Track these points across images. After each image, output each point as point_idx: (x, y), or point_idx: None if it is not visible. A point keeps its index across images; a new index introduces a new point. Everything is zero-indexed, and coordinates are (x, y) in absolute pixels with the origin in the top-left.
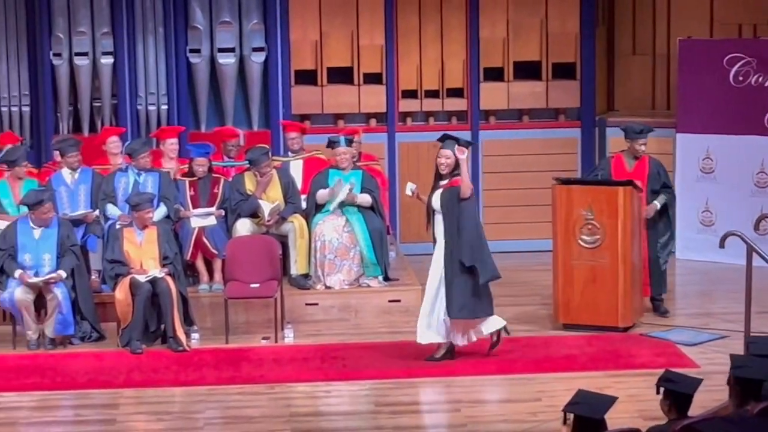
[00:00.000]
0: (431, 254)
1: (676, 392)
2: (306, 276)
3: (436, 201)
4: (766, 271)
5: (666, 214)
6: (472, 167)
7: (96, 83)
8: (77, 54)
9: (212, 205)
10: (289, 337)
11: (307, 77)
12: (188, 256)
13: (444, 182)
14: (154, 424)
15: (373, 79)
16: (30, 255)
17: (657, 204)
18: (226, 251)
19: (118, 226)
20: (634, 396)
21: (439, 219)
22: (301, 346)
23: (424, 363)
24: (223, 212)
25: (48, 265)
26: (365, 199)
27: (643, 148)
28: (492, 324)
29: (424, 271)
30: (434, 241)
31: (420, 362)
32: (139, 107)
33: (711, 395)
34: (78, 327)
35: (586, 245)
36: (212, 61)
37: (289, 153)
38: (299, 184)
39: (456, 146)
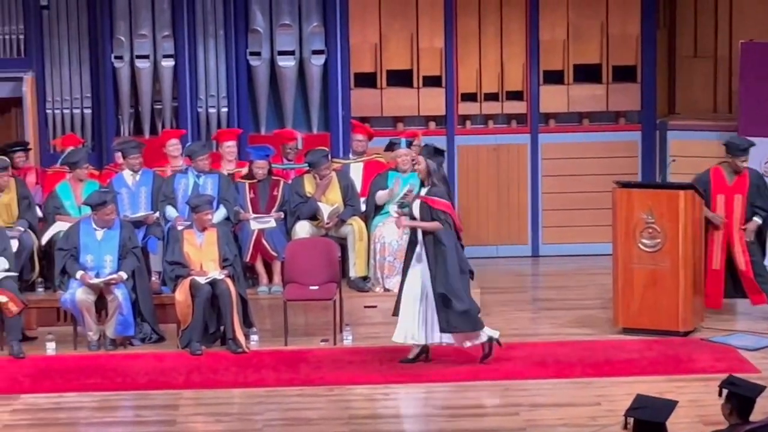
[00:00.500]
0: (490, 257)
1: (739, 396)
2: (365, 278)
3: (416, 209)
4: None
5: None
6: (531, 169)
7: (157, 86)
8: (138, 56)
9: (272, 207)
10: (347, 339)
11: (366, 80)
12: (248, 258)
13: (423, 192)
14: (213, 426)
15: (432, 81)
16: (92, 256)
17: (758, 221)
18: (286, 253)
19: (180, 227)
20: (694, 401)
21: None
22: (359, 348)
23: (482, 366)
24: (282, 214)
25: (109, 267)
26: None
27: (745, 164)
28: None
29: (484, 275)
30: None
31: (478, 365)
32: (199, 110)
33: None
34: (138, 328)
35: (647, 249)
36: (272, 64)
37: (350, 155)
38: (359, 187)
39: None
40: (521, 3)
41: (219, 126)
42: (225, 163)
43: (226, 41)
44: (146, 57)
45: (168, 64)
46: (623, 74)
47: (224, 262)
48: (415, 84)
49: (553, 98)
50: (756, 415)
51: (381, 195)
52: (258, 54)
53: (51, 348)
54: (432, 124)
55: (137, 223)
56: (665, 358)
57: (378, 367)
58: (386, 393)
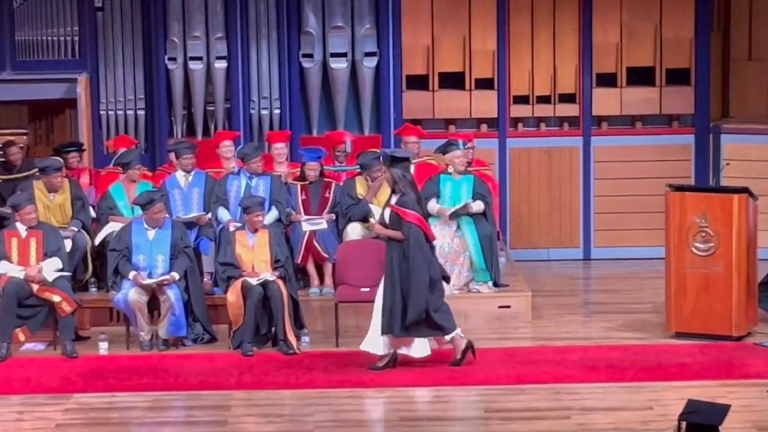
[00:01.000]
0: (542, 260)
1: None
2: None
3: (386, 215)
4: None
5: None
6: (583, 172)
7: (210, 87)
8: (191, 58)
9: (323, 209)
10: None
11: (418, 82)
12: (299, 260)
13: (393, 201)
14: (264, 426)
15: (484, 84)
16: (144, 256)
17: None
18: (337, 255)
19: (231, 229)
20: (747, 406)
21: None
22: None
23: (533, 369)
24: (333, 216)
25: (161, 267)
26: (479, 206)
27: None
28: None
29: (535, 278)
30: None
31: (528, 367)
32: (252, 111)
33: None
34: (190, 329)
35: (700, 253)
36: (324, 66)
37: None
38: None
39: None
40: (574, 5)
41: (271, 128)
42: (277, 165)
43: (278, 43)
44: (199, 59)
45: (221, 65)
46: (677, 77)
47: (276, 264)
48: (467, 86)
49: (605, 101)
50: None
51: (434, 208)
52: (310, 56)
53: (104, 348)
54: (484, 127)
55: (189, 224)
56: (718, 363)
57: (429, 369)
58: (437, 395)
